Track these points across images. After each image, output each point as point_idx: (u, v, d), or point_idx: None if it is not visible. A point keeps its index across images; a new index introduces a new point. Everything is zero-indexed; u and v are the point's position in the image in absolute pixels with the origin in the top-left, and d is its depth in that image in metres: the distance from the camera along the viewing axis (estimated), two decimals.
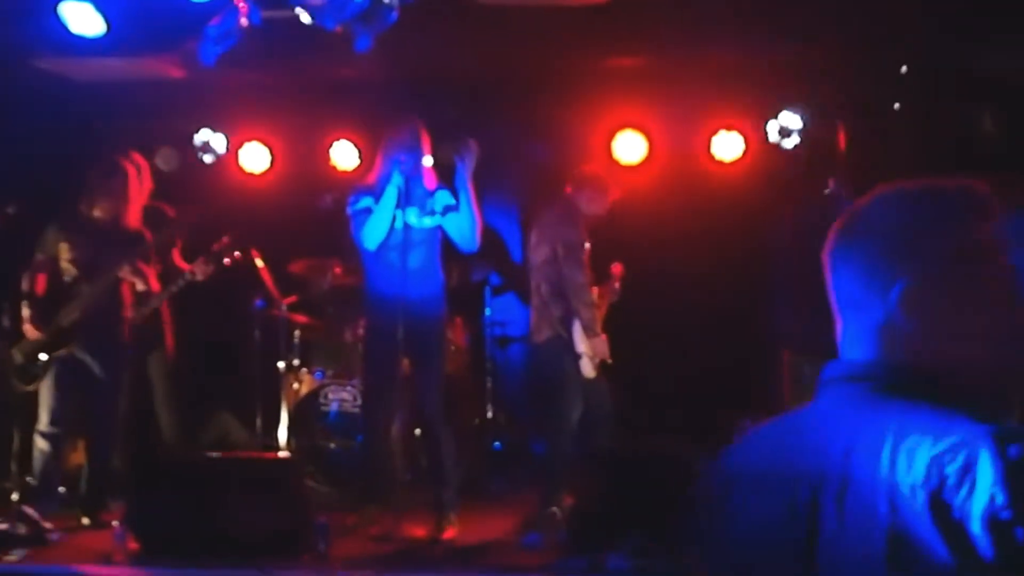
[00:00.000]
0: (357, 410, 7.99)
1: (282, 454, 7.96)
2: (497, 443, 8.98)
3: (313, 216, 8.65)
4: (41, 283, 7.20)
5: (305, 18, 5.80)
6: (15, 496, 7.19)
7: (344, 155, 9.34)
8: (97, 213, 7.24)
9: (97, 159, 7.34)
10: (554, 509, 6.95)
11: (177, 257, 7.96)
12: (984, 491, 1.29)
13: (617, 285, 7.91)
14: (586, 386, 7.17)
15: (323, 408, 8.23)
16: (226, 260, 7.67)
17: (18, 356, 7.09)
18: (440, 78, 8.74)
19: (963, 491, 1.30)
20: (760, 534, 1.54)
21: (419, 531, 6.75)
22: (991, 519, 1.28)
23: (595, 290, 7.46)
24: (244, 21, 5.99)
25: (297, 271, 8.70)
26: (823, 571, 1.43)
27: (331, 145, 9.34)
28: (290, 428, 8.27)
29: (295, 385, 8.47)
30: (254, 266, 8.35)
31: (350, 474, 7.66)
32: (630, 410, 7.74)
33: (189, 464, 6.65)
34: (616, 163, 9.01)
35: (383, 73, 8.23)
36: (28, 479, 7.23)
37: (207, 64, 6.09)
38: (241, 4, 5.91)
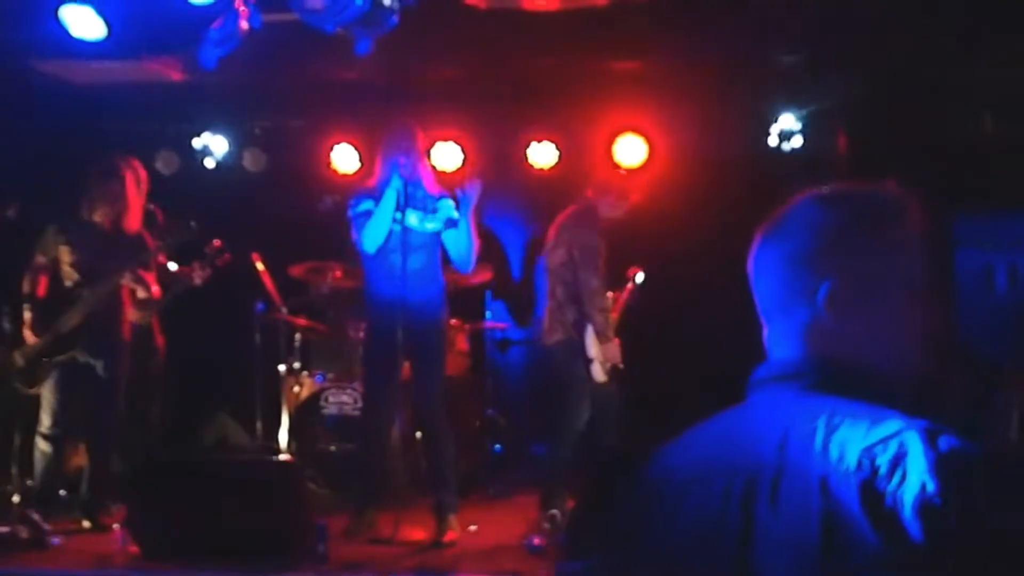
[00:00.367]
0: (357, 413, 7.98)
1: (282, 457, 7.96)
2: (497, 446, 8.98)
3: (314, 219, 8.67)
4: (42, 286, 7.20)
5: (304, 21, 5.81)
6: (16, 498, 7.20)
7: (344, 158, 9.35)
8: (97, 217, 7.23)
9: (96, 163, 7.33)
10: (554, 511, 6.95)
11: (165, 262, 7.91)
12: (916, 480, 1.35)
13: (633, 288, 7.92)
14: (595, 390, 7.18)
15: (323, 411, 8.23)
16: (218, 262, 7.68)
17: (19, 359, 7.08)
18: (439, 81, 8.75)
19: (895, 480, 1.37)
20: (696, 530, 1.57)
21: (419, 534, 6.75)
22: (923, 506, 1.33)
23: (611, 295, 7.47)
24: (244, 24, 6.00)
25: (298, 274, 8.70)
26: (759, 558, 1.46)
27: (332, 148, 9.35)
28: (290, 431, 8.27)
29: (295, 388, 8.47)
30: (255, 269, 8.36)
31: (350, 477, 7.65)
32: (637, 414, 7.73)
33: (190, 467, 6.63)
34: (617, 166, 9.02)
35: (383, 76, 8.24)
36: (28, 482, 7.23)
37: (208, 67, 6.10)
38: (241, 7, 5.92)
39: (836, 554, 1.37)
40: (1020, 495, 1.35)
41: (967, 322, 6.84)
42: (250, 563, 5.93)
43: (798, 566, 1.40)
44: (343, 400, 8.21)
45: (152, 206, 7.81)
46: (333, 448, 8.12)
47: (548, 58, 8.26)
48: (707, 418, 1.77)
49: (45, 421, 7.13)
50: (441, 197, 6.82)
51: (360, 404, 7.93)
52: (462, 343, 8.83)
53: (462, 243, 6.74)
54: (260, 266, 8.38)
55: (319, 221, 8.72)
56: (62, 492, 7.39)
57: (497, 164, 9.48)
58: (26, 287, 7.20)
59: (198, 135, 9.36)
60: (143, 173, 7.71)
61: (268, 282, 8.49)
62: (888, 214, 1.69)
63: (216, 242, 7.67)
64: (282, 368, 8.50)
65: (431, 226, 6.78)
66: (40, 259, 7.23)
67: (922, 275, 1.65)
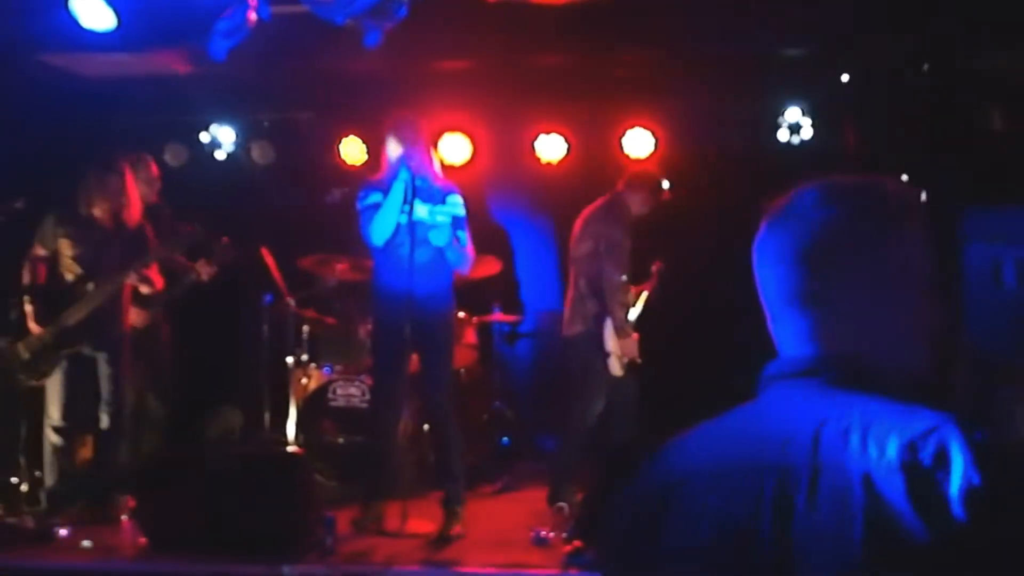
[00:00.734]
0: (365, 405, 8.00)
1: (290, 449, 7.97)
2: (505, 438, 8.99)
3: (321, 211, 8.67)
4: (42, 277, 7.21)
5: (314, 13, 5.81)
6: (24, 489, 7.21)
7: (353, 150, 9.35)
8: (96, 212, 7.20)
9: (95, 159, 7.33)
10: (562, 504, 6.96)
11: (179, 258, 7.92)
12: (960, 471, 1.38)
13: (656, 283, 7.93)
14: (612, 384, 7.19)
15: (331, 403, 8.23)
16: (225, 260, 7.70)
17: (24, 352, 7.09)
18: (447, 73, 8.75)
19: (939, 473, 1.39)
20: (722, 529, 1.55)
21: (426, 526, 6.75)
22: (969, 496, 1.36)
23: (634, 289, 7.48)
24: (253, 16, 6.00)
25: (306, 266, 8.70)
26: (797, 556, 1.46)
27: (340, 141, 9.36)
28: (298, 423, 8.28)
29: (303, 380, 8.48)
30: (262, 262, 8.37)
31: (358, 469, 7.66)
32: (655, 408, 7.73)
33: (197, 459, 6.65)
34: (626, 159, 9.01)
35: (391, 68, 8.24)
36: (37, 473, 7.25)
37: (216, 59, 6.10)
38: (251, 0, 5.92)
39: (881, 548, 1.39)
40: None
41: (975, 317, 6.86)
42: (257, 555, 5.94)
43: (840, 562, 1.41)
44: (351, 392, 8.22)
45: (163, 204, 7.83)
46: (341, 440, 8.12)
47: (556, 50, 8.25)
48: (715, 416, 1.76)
49: (54, 414, 7.15)
50: (449, 191, 6.82)
51: (368, 396, 7.94)
52: (470, 336, 8.83)
53: (459, 256, 6.77)
54: (268, 258, 8.38)
55: (327, 213, 8.72)
56: (70, 484, 7.40)
57: (505, 156, 9.49)
58: (25, 278, 7.20)
59: (206, 127, 9.37)
60: (155, 170, 7.73)
61: (276, 274, 8.50)
62: (894, 208, 1.69)
63: (224, 239, 7.69)
64: (290, 360, 8.51)
65: (439, 219, 6.78)
66: (39, 250, 7.23)
67: (929, 270, 1.65)
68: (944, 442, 1.41)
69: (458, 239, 6.75)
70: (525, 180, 9.73)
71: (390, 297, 6.74)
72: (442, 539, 6.60)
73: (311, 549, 6.14)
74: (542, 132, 9.40)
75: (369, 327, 7.48)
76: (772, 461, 1.54)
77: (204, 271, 7.71)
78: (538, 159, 9.46)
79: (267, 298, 8.57)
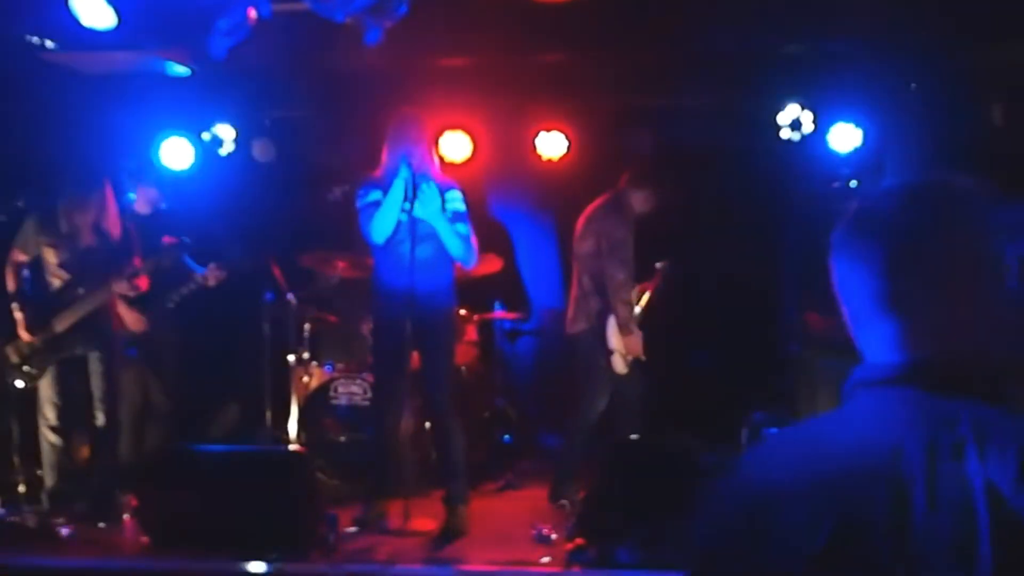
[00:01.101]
0: (367, 403, 8.00)
1: (292, 447, 7.97)
2: (507, 436, 8.98)
3: (323, 209, 8.66)
4: (23, 282, 7.17)
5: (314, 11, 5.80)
6: (22, 489, 7.21)
7: (355, 149, 9.34)
8: (78, 222, 7.15)
9: (72, 169, 7.29)
10: (564, 501, 6.96)
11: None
12: None
13: (660, 281, 7.93)
14: (616, 382, 7.19)
15: (333, 401, 8.23)
16: (236, 266, 7.74)
17: (14, 356, 7.06)
18: (448, 70, 8.74)
19: None
20: (835, 541, 1.51)
21: (429, 523, 6.75)
22: None
23: (637, 287, 7.47)
24: (253, 14, 5.99)
25: (307, 264, 8.70)
26: (917, 566, 1.44)
27: (341, 139, 9.34)
28: (300, 421, 8.28)
29: (304, 378, 8.47)
30: (264, 260, 8.37)
31: (360, 467, 7.67)
32: (659, 405, 7.74)
33: (199, 457, 6.65)
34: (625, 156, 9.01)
35: (392, 66, 8.23)
36: (38, 471, 7.24)
37: (217, 57, 6.09)
38: None
39: (1010, 557, 1.39)
40: None
41: None
42: (259, 553, 5.94)
43: (965, 572, 1.40)
44: (352, 390, 8.22)
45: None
46: (342, 438, 8.12)
47: (557, 47, 8.24)
48: (801, 423, 1.73)
49: (49, 415, 7.13)
50: (449, 188, 6.81)
51: (369, 394, 7.95)
52: (471, 333, 8.83)
53: (462, 250, 6.75)
54: (276, 271, 8.41)
55: (328, 211, 8.71)
56: (71, 482, 7.40)
57: (506, 154, 9.48)
58: (10, 284, 7.17)
59: (207, 126, 9.36)
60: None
61: (277, 272, 8.49)
62: (978, 209, 1.67)
63: (235, 247, 7.73)
64: (291, 358, 8.51)
65: (443, 214, 6.77)
66: (20, 256, 7.19)
67: (1003, 267, 1.62)
68: None
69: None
70: (527, 177, 9.72)
71: (391, 295, 6.74)
72: (444, 537, 6.60)
73: (313, 547, 6.15)
74: (543, 129, 9.39)
75: (370, 325, 7.48)
76: (883, 471, 1.51)
77: (213, 276, 7.74)
78: (539, 156, 9.45)
79: (268, 296, 8.56)
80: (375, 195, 6.73)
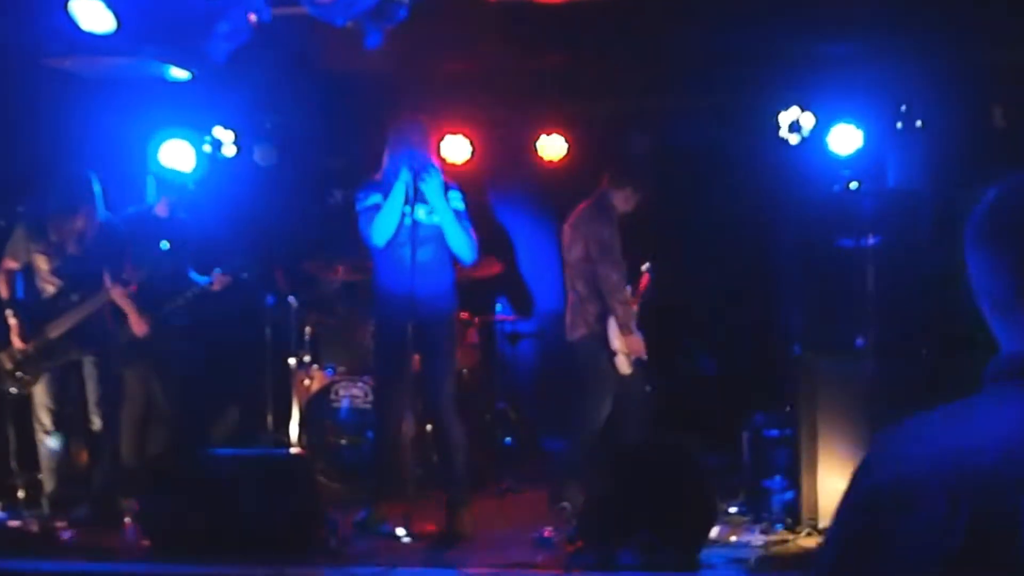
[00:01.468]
0: (368, 406, 8.00)
1: (293, 450, 7.97)
2: (508, 439, 8.99)
3: (323, 212, 8.67)
4: (3, 290, 7.16)
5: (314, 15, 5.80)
6: (21, 494, 7.20)
7: (355, 151, 9.35)
8: (67, 229, 7.11)
9: (60, 175, 7.27)
10: (564, 504, 6.96)
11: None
12: None
13: (649, 281, 7.92)
14: (620, 384, 7.19)
15: (334, 404, 8.24)
16: (239, 272, 7.76)
17: (8, 362, 7.05)
18: (448, 74, 8.74)
19: None
20: (974, 539, 1.44)
21: (430, 526, 6.75)
22: None
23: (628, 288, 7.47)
24: (253, 18, 5.99)
25: (308, 268, 8.70)
26: None
27: (341, 142, 9.35)
28: (301, 424, 8.28)
29: (306, 381, 8.48)
30: (265, 263, 8.37)
31: (361, 470, 7.67)
32: (660, 406, 7.74)
33: (200, 461, 6.65)
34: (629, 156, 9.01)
35: (392, 69, 8.23)
36: (39, 475, 7.24)
37: (217, 62, 6.09)
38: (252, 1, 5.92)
39: None
40: None
41: (976, 314, 6.85)
42: (261, 556, 5.94)
43: None
44: (353, 393, 8.22)
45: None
46: (344, 441, 8.13)
47: (556, 50, 8.24)
48: (931, 414, 1.62)
49: (44, 420, 7.10)
50: (449, 188, 6.82)
51: (370, 397, 7.95)
52: (472, 336, 8.83)
53: (462, 243, 6.76)
54: (280, 280, 8.43)
55: (328, 215, 8.72)
56: (71, 487, 7.40)
57: (506, 157, 9.48)
58: (3, 292, 7.16)
59: (208, 130, 9.36)
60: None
61: (279, 275, 8.50)
62: None
63: (241, 254, 7.76)
64: (292, 361, 8.51)
65: (438, 219, 6.77)
66: (11, 263, 7.18)
67: None
68: None
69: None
70: (528, 180, 9.72)
71: (392, 298, 6.74)
72: (446, 540, 6.60)
73: (315, 551, 6.14)
74: (543, 132, 9.39)
75: (371, 328, 7.48)
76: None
77: (219, 282, 7.76)
78: (540, 159, 9.46)
79: (269, 299, 8.57)
80: (375, 198, 6.73)
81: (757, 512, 7.12)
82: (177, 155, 8.58)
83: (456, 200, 6.80)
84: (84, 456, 7.55)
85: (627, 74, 8.76)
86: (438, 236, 6.80)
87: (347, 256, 8.37)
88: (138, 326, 7.46)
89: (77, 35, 6.75)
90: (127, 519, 6.78)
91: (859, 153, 8.25)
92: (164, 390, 7.91)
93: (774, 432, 7.54)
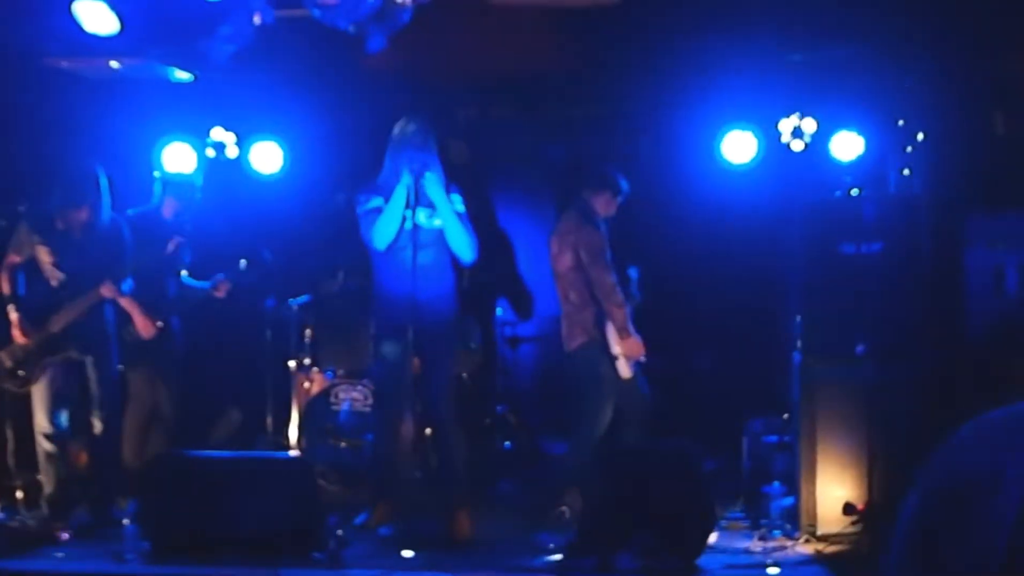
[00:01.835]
0: (367, 409, 8.00)
1: (292, 453, 7.97)
2: (507, 443, 8.99)
3: (325, 214, 8.67)
4: (19, 285, 7.16)
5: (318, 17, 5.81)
6: (20, 495, 7.20)
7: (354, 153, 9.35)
8: (72, 220, 7.12)
9: (65, 166, 7.27)
10: (564, 508, 6.96)
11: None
12: None
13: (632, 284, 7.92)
14: (621, 387, 7.19)
15: (333, 407, 8.24)
16: (240, 276, 7.77)
17: (7, 360, 7.04)
18: (454, 77, 8.75)
19: None
20: None
21: (429, 530, 6.75)
22: None
23: None
24: (257, 20, 6.00)
25: (307, 270, 8.71)
26: None
27: (342, 144, 9.35)
28: (300, 427, 8.28)
29: (306, 384, 8.48)
30: (265, 265, 8.38)
31: (360, 473, 7.68)
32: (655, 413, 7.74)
33: (200, 463, 6.65)
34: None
35: (394, 72, 8.24)
36: (38, 476, 7.23)
37: (220, 63, 6.10)
38: (254, 3, 5.93)
39: None
40: None
41: (977, 321, 6.85)
42: (260, 559, 5.94)
43: None
44: (353, 396, 8.23)
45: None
46: (343, 444, 8.13)
47: (563, 55, 8.25)
48: (994, 414, 1.61)
49: (42, 421, 7.07)
50: (450, 191, 6.82)
51: (370, 400, 7.95)
52: (472, 340, 8.83)
53: (462, 240, 6.76)
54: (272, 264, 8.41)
55: (331, 217, 8.72)
56: (71, 488, 7.39)
57: (508, 160, 9.49)
58: (4, 288, 7.15)
59: (209, 131, 9.36)
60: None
61: (278, 278, 8.51)
62: None
63: (243, 261, 7.77)
64: (292, 364, 8.52)
65: (439, 223, 6.78)
66: (14, 258, 7.16)
67: None
68: None
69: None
70: (530, 184, 9.73)
71: (392, 301, 6.74)
72: (445, 543, 6.60)
73: (314, 553, 6.14)
74: (546, 136, 9.40)
75: (371, 331, 7.49)
76: None
77: (222, 288, 7.78)
78: (542, 162, 9.47)
79: (269, 302, 8.57)
80: (377, 201, 6.74)
81: (756, 518, 7.13)
82: (180, 157, 8.59)
83: (458, 202, 6.81)
84: (84, 458, 7.54)
85: (628, 77, 8.76)
86: (439, 240, 6.81)
87: (348, 259, 8.38)
88: (145, 328, 7.46)
89: (80, 36, 6.76)
90: (126, 521, 6.77)
91: (861, 160, 8.26)
92: (169, 392, 7.92)
93: (773, 438, 7.56)
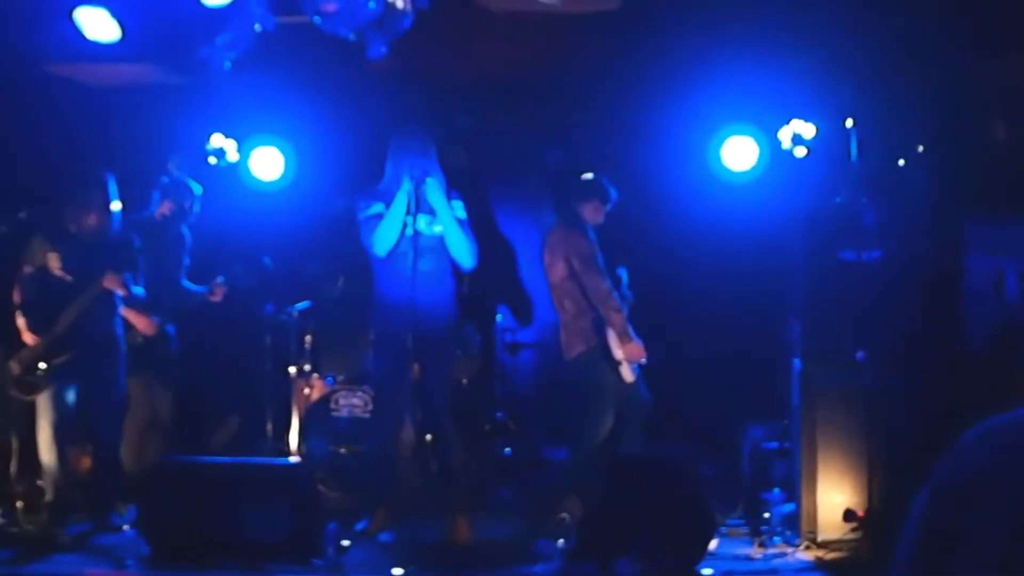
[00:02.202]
0: (367, 415, 8.00)
1: (292, 459, 7.97)
2: (507, 448, 8.98)
3: (325, 221, 8.67)
4: (31, 293, 7.17)
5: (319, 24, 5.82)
6: (21, 501, 7.20)
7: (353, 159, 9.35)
8: (80, 223, 7.13)
9: (75, 172, 7.29)
10: (564, 514, 6.96)
11: None
12: None
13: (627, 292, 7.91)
14: (623, 391, 7.19)
15: (333, 413, 8.24)
16: (238, 281, 7.77)
17: (15, 367, 7.04)
18: (453, 83, 8.76)
19: None
20: None
21: (429, 536, 6.75)
22: None
23: None
24: (257, 27, 6.01)
25: (307, 276, 8.71)
26: None
27: (343, 149, 9.35)
28: (300, 433, 8.28)
29: (306, 390, 8.48)
30: (265, 271, 8.38)
31: (360, 479, 7.67)
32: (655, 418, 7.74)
33: (199, 469, 6.65)
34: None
35: (394, 77, 8.25)
36: (39, 482, 7.23)
37: (221, 69, 6.11)
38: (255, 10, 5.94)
39: None
40: None
41: (977, 328, 6.85)
42: (260, 565, 5.95)
43: None
44: (353, 402, 8.23)
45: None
46: (343, 450, 8.13)
47: (558, 61, 8.26)
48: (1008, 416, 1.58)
49: (45, 427, 7.07)
50: (451, 197, 6.83)
51: (370, 406, 7.95)
52: (472, 346, 8.83)
53: (463, 246, 6.77)
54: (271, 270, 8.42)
55: (331, 223, 8.72)
56: (72, 494, 7.39)
57: (508, 166, 9.49)
58: (16, 297, 7.15)
59: (210, 138, 9.37)
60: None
61: (279, 284, 8.51)
62: None
63: (238, 266, 7.78)
64: (292, 370, 8.52)
65: (439, 229, 6.79)
66: (27, 269, 7.19)
67: None
68: None
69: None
70: (530, 190, 9.74)
71: (392, 307, 6.75)
72: (445, 549, 6.60)
73: (314, 559, 6.14)
74: (546, 141, 9.41)
75: (371, 337, 7.50)
76: None
77: (219, 292, 7.78)
78: (542, 167, 9.47)
79: (269, 308, 8.57)
80: (377, 207, 6.74)
81: (756, 524, 7.13)
82: (191, 162, 8.60)
83: (459, 208, 6.81)
84: (86, 463, 7.54)
85: (628, 83, 8.77)
86: (439, 246, 6.81)
87: (348, 265, 8.38)
88: (145, 327, 7.46)
89: (81, 43, 6.78)
90: (126, 526, 6.78)
91: (859, 165, 8.25)
92: (168, 397, 7.92)
93: (774, 444, 7.56)
